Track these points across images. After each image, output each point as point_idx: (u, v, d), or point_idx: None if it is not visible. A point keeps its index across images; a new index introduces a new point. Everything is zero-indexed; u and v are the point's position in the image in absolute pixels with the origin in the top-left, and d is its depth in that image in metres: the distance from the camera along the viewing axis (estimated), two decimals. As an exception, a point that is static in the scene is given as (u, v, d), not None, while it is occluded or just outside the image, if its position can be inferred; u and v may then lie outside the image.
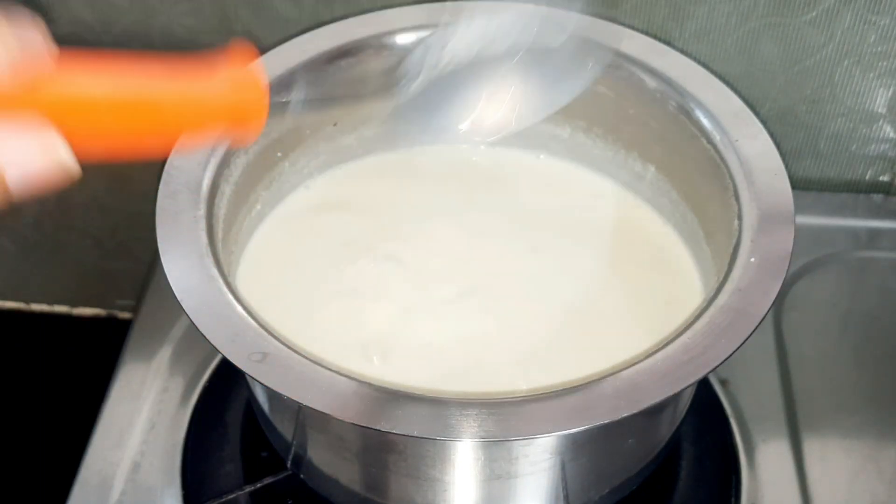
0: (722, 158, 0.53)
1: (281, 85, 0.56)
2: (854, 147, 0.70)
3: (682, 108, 0.56)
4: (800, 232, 0.49)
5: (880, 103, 0.68)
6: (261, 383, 0.44)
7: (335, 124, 0.61)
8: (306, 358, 0.45)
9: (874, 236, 0.70)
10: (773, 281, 0.47)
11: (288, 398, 0.43)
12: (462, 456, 0.48)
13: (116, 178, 0.77)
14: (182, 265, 0.48)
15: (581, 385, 0.44)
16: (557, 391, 0.43)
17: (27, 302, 0.88)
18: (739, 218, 0.50)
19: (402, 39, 0.59)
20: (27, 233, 0.82)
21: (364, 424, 0.42)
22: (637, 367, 0.44)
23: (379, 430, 0.42)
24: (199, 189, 0.51)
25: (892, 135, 0.69)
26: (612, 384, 0.44)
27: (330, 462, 0.53)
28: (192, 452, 0.59)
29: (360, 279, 0.57)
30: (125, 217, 0.80)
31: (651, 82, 0.57)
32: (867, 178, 0.72)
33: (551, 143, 0.63)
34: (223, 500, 0.56)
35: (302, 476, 0.55)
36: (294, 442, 0.54)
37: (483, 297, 0.57)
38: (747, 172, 0.52)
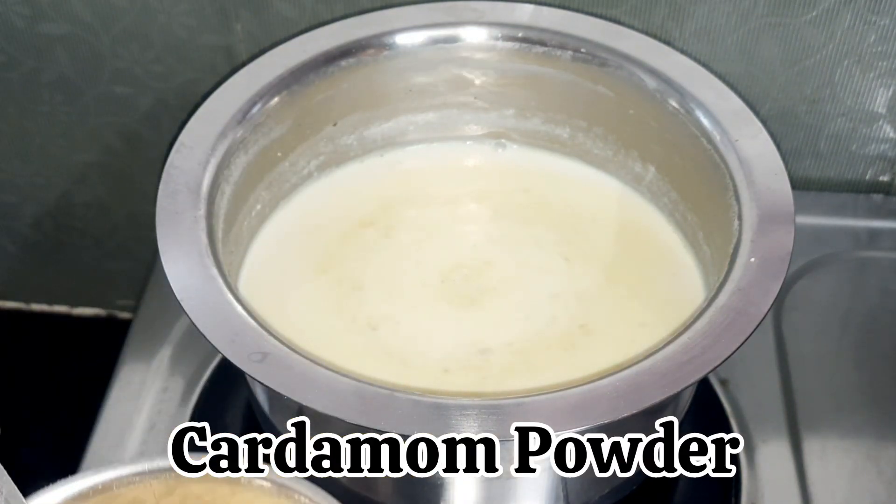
0: (722, 158, 0.53)
1: (281, 85, 0.57)
2: (854, 147, 0.70)
3: (682, 108, 0.56)
4: (800, 232, 0.49)
5: (880, 103, 0.68)
6: (261, 383, 0.44)
7: (335, 124, 0.61)
8: (306, 358, 0.45)
9: (874, 236, 0.69)
10: (773, 281, 0.47)
11: (288, 398, 0.43)
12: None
13: (116, 178, 0.77)
14: (182, 265, 0.48)
15: (581, 385, 0.44)
16: (557, 391, 0.43)
17: (27, 302, 0.88)
18: (739, 218, 0.50)
19: (402, 39, 0.59)
20: (27, 233, 0.82)
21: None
22: (637, 367, 0.44)
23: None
24: (199, 189, 0.51)
25: (892, 135, 0.69)
26: (612, 384, 0.44)
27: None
28: (192, 452, 0.59)
29: (363, 279, 0.57)
30: (125, 217, 0.80)
31: (651, 82, 0.57)
32: (867, 178, 0.72)
33: (551, 143, 0.63)
34: (223, 500, 0.56)
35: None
36: (294, 442, 0.54)
37: (482, 296, 0.57)
38: (747, 172, 0.52)
